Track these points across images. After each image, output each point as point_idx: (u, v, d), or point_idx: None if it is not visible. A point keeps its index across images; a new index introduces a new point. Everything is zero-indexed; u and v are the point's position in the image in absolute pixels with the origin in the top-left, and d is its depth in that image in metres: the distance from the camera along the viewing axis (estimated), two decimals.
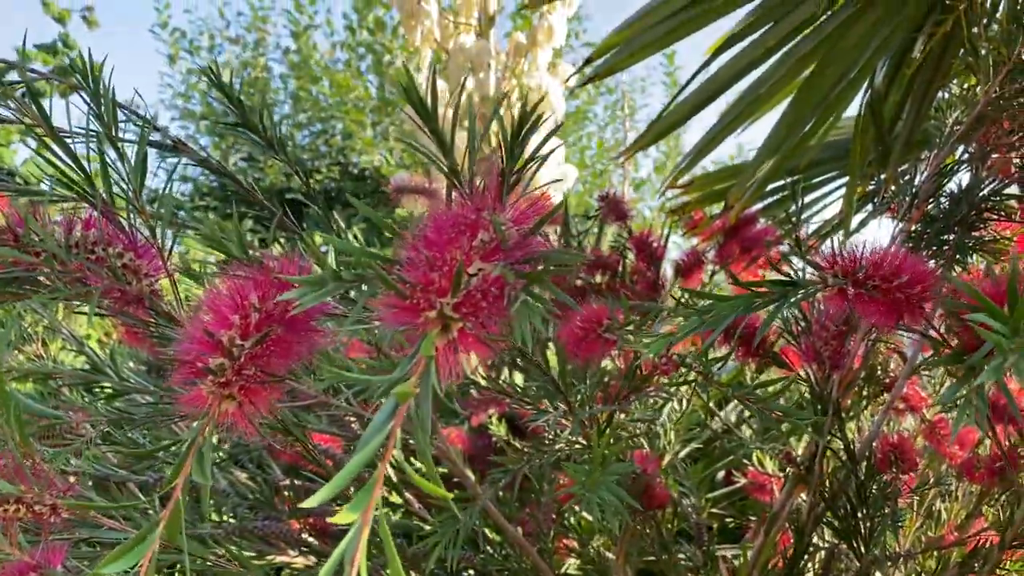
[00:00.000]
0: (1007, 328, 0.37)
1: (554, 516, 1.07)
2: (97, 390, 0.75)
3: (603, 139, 5.64)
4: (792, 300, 0.46)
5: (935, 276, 0.46)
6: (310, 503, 0.22)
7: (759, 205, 1.40)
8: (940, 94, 1.06)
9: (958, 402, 0.41)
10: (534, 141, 0.35)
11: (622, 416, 0.71)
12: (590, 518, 1.18)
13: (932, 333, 0.48)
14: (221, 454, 0.92)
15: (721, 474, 1.67)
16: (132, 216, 0.47)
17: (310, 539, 0.88)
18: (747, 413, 1.34)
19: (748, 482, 1.19)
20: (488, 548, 0.92)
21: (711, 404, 1.23)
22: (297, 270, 0.35)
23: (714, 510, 1.54)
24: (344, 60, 5.46)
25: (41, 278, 0.46)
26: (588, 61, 0.99)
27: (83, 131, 0.46)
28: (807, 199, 1.43)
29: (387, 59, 4.71)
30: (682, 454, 1.18)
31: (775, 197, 1.34)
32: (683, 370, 0.65)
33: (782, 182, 1.41)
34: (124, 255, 0.47)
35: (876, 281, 0.47)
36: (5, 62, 0.55)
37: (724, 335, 0.72)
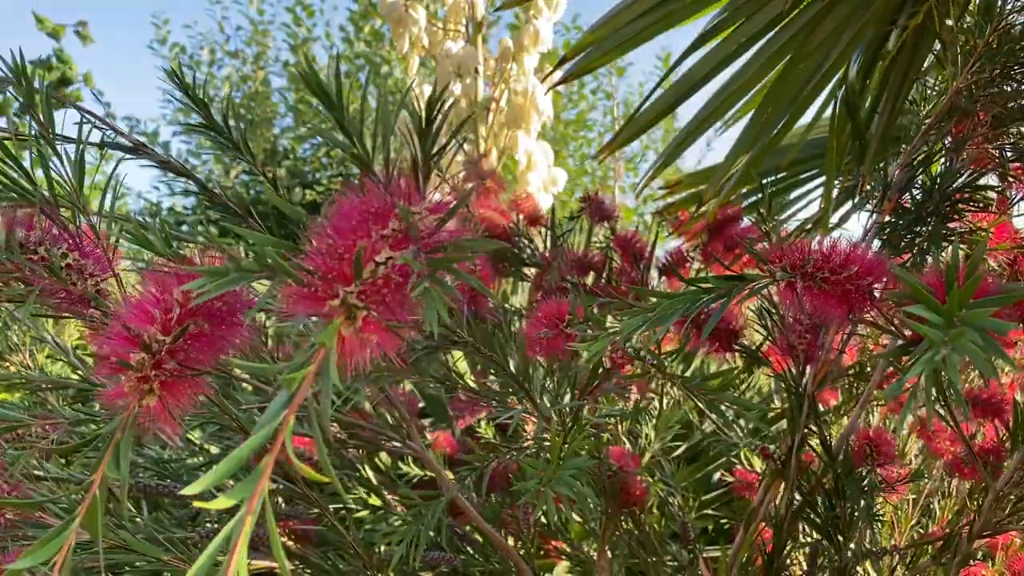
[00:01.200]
0: (941, 320, 0.36)
1: (541, 518, 1.07)
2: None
3: (590, 139, 5.64)
4: (737, 295, 0.46)
5: (885, 267, 0.46)
6: (191, 489, 0.22)
7: (746, 203, 1.40)
8: (916, 87, 1.06)
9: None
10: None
11: (590, 413, 0.71)
12: (579, 519, 1.18)
13: (890, 325, 0.48)
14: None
15: (717, 476, 1.66)
16: (77, 216, 0.47)
17: (290, 543, 0.88)
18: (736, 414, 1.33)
19: (736, 481, 1.18)
20: (469, 549, 0.91)
21: (701, 405, 1.22)
22: (217, 264, 0.35)
23: (709, 511, 1.53)
24: (343, 72, 5.48)
25: None
26: (563, 61, 1.00)
27: (19, 134, 0.46)
28: (792, 196, 1.43)
29: (384, 70, 4.73)
30: (672, 455, 1.17)
31: (760, 196, 1.34)
32: (649, 366, 0.65)
33: (771, 179, 1.41)
34: (68, 255, 0.47)
35: (824, 273, 0.46)
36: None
37: (694, 331, 0.72)
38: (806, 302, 0.47)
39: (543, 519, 1.04)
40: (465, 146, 1.73)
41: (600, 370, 0.64)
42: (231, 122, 0.74)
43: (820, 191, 1.33)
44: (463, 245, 0.30)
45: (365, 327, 0.28)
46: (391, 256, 0.29)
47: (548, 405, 0.64)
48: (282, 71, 5.33)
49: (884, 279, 0.44)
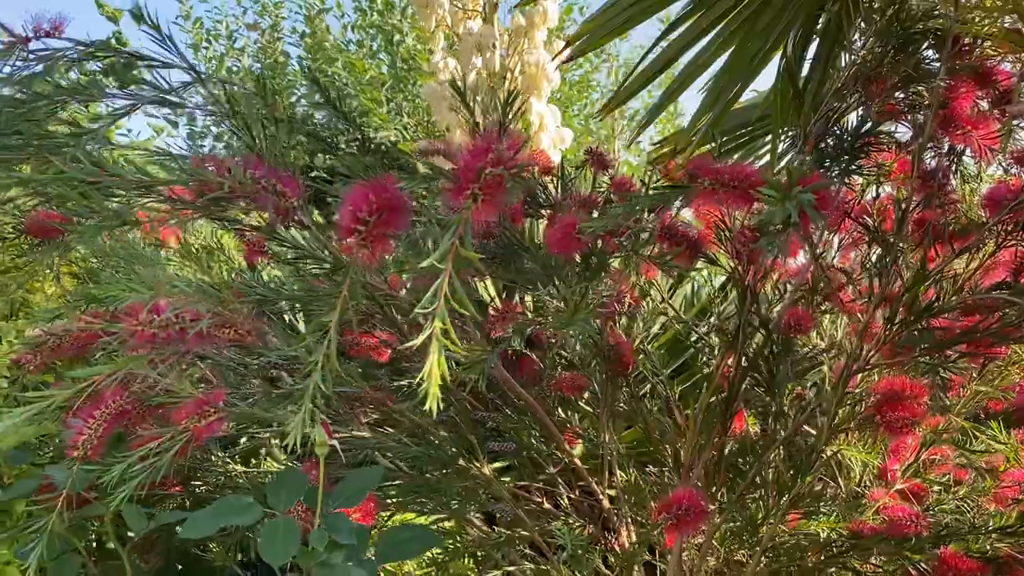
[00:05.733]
0: (781, 193, 0.68)
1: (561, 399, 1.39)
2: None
3: (592, 100, 5.91)
4: (674, 196, 0.77)
5: (760, 176, 0.77)
6: (415, 269, 0.54)
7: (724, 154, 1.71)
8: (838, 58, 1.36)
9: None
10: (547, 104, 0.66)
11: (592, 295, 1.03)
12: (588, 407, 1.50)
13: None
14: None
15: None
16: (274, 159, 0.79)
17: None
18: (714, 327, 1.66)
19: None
20: (506, 410, 1.25)
21: (689, 322, 1.55)
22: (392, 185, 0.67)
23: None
24: (355, 41, 5.74)
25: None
26: (567, 45, 1.30)
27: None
28: (759, 144, 1.73)
29: (397, 39, 4.99)
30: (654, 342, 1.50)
31: (731, 146, 1.65)
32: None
33: (741, 132, 1.72)
34: (276, 184, 0.79)
35: (727, 182, 0.78)
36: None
37: (661, 237, 1.03)
38: (722, 200, 0.79)
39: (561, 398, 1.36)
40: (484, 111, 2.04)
41: (598, 263, 0.96)
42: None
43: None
44: (525, 163, 0.61)
45: (483, 205, 0.60)
46: (493, 170, 0.60)
47: (568, 287, 0.96)
48: (298, 42, 5.60)
49: (760, 183, 0.76)
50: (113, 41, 3.46)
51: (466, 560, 1.63)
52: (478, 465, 1.06)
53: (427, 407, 0.48)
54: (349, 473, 0.90)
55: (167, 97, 0.81)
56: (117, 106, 0.88)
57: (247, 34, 5.81)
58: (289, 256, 0.78)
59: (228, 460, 1.35)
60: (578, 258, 1.00)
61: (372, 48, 5.55)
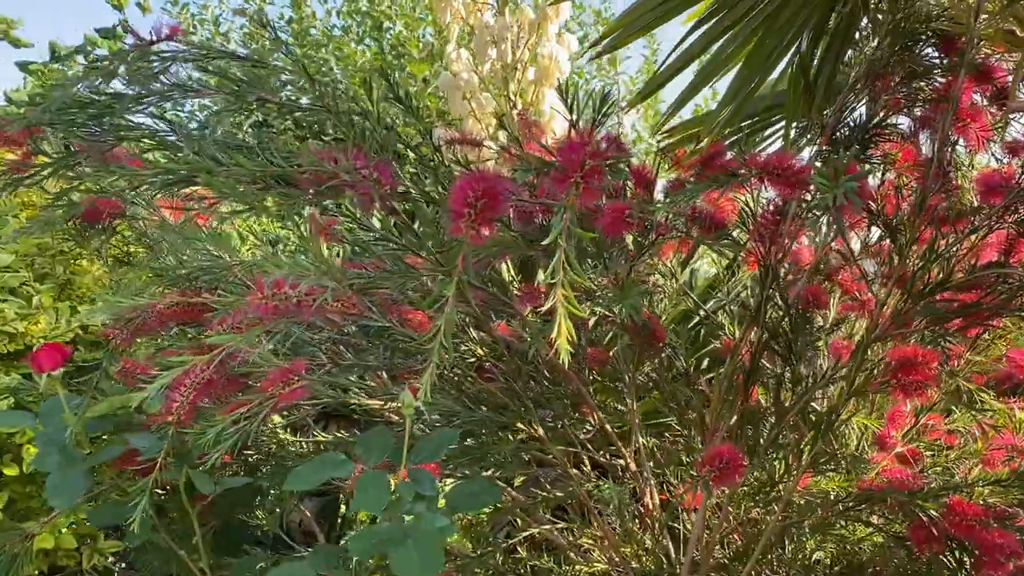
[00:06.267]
0: (830, 182, 0.79)
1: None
2: None
3: (592, 91, 6.01)
4: (728, 183, 0.88)
5: (807, 168, 0.88)
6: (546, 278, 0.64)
7: (727, 142, 1.81)
8: (850, 53, 1.47)
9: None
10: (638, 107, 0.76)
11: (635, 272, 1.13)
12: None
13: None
14: None
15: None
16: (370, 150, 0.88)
17: None
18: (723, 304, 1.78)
19: (722, 346, 1.62)
20: (544, 382, 1.35)
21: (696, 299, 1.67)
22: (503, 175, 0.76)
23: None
24: (341, 27, 5.77)
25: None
26: (597, 42, 1.39)
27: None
28: (767, 134, 1.84)
29: (386, 25, 5.04)
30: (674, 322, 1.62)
31: (739, 136, 1.75)
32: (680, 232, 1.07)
33: (750, 122, 1.82)
34: (372, 172, 0.88)
35: (776, 171, 0.88)
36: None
37: (694, 223, 1.13)
38: (768, 185, 0.89)
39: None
40: (496, 101, 2.13)
41: (651, 242, 1.07)
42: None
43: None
44: (617, 158, 0.71)
45: (584, 191, 0.70)
46: (591, 161, 0.70)
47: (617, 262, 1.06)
48: (284, 27, 5.62)
49: (807, 173, 0.86)
50: (119, 29, 3.50)
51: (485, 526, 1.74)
52: (535, 427, 1.16)
53: (560, 359, 0.58)
54: (428, 434, 0.99)
55: (267, 97, 0.90)
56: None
57: (231, 19, 5.81)
58: (391, 241, 0.87)
59: (280, 431, 1.44)
60: (630, 239, 1.10)
61: (359, 34, 5.59)
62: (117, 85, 0.98)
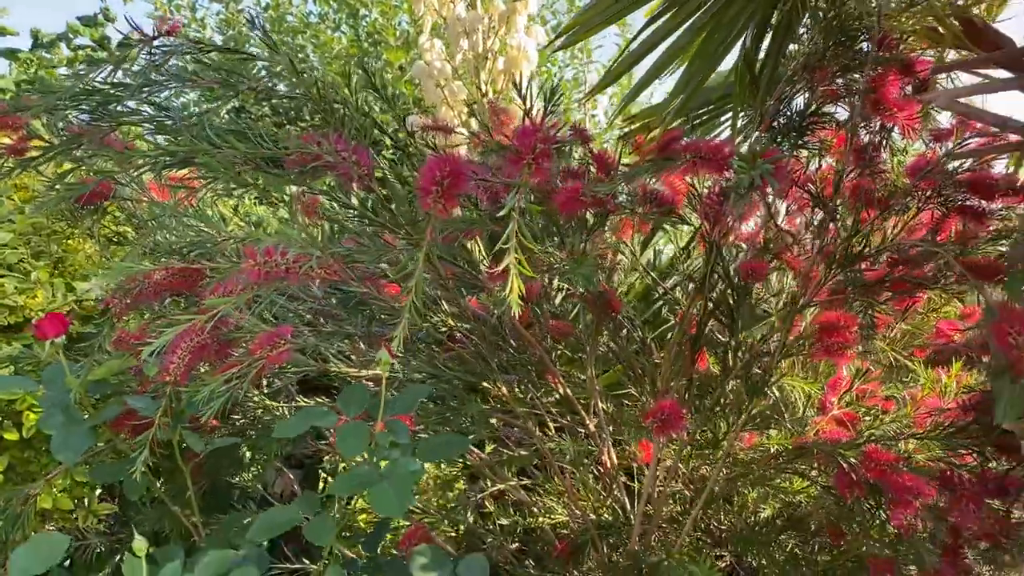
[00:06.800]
0: (747, 165, 0.91)
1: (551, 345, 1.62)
2: None
3: (565, 80, 6.11)
4: (664, 168, 0.99)
5: (731, 151, 1.00)
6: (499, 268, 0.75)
7: (686, 128, 1.93)
8: (794, 47, 1.59)
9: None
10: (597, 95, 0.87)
11: (591, 248, 1.25)
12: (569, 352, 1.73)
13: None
14: None
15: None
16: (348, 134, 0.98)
17: None
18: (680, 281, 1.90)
19: (677, 320, 1.75)
20: (509, 349, 1.46)
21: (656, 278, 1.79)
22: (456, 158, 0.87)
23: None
24: (318, 14, 5.82)
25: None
26: (558, 36, 1.51)
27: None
28: (720, 121, 1.97)
29: (362, 12, 5.11)
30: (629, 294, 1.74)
31: (693, 123, 1.88)
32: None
33: (704, 111, 1.94)
34: (351, 155, 0.99)
35: (707, 156, 1.00)
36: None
37: (645, 202, 1.25)
38: (700, 171, 1.01)
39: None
40: (468, 89, 2.24)
41: (600, 219, 1.18)
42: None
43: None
44: (565, 142, 0.82)
45: (536, 171, 0.81)
46: (542, 145, 0.81)
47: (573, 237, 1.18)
48: (260, 13, 5.67)
49: (731, 156, 0.98)
50: (100, 17, 3.55)
51: (460, 483, 1.86)
52: (498, 385, 1.28)
53: (513, 313, 0.70)
54: (403, 390, 1.11)
55: (254, 86, 1.00)
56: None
57: (207, 4, 5.85)
58: (367, 218, 0.98)
59: (263, 396, 1.55)
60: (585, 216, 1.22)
61: (335, 21, 5.65)
62: (116, 75, 1.08)
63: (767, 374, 1.28)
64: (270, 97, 1.19)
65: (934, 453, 1.44)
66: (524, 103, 0.94)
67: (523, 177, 0.79)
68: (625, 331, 1.62)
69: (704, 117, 1.86)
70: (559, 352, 1.69)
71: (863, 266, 1.33)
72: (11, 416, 1.51)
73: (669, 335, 2.21)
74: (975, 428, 1.31)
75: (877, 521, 1.38)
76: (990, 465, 1.36)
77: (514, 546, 1.62)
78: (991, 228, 1.41)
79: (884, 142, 1.51)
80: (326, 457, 1.95)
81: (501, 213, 0.74)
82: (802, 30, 1.52)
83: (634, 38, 1.52)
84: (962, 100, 1.42)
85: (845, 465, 1.22)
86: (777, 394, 1.62)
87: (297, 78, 1.01)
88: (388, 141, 1.30)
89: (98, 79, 0.96)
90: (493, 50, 2.21)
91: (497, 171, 0.92)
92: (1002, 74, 1.43)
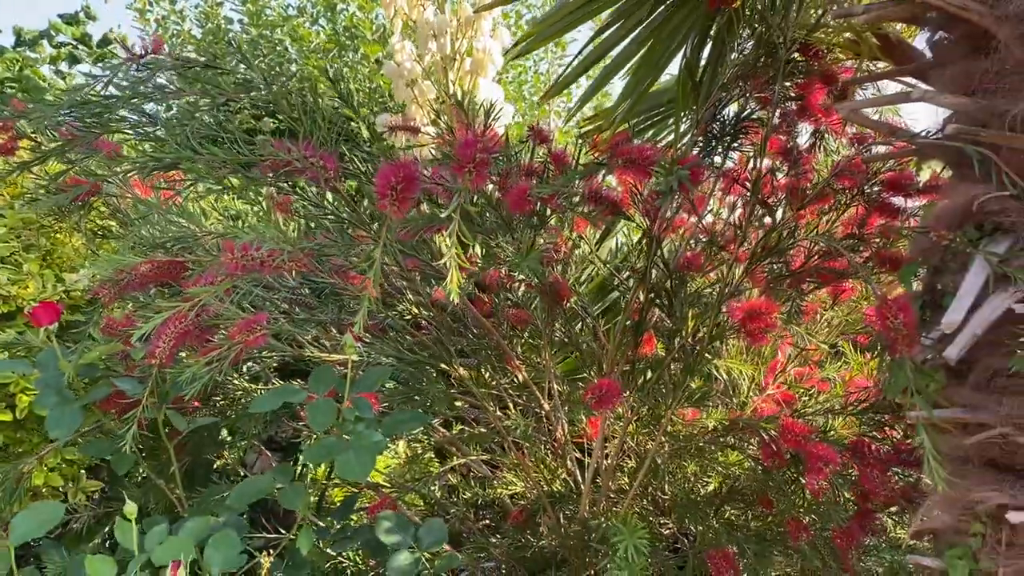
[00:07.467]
0: (666, 171, 1.04)
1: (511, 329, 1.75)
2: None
3: (539, 72, 6.22)
4: (595, 171, 1.12)
5: (656, 153, 1.13)
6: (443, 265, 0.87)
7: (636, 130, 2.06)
8: (734, 56, 1.72)
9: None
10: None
11: (541, 241, 1.38)
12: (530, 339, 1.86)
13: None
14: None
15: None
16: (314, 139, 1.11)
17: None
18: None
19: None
20: (469, 335, 1.59)
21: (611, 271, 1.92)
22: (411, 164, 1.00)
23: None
24: (296, 7, 5.89)
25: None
26: (515, 44, 1.63)
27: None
28: (670, 123, 2.10)
29: (340, 7, 5.19)
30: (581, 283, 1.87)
31: (646, 124, 2.01)
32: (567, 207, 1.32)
33: (654, 112, 2.07)
34: (319, 160, 1.11)
35: (634, 160, 1.13)
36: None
37: (589, 199, 1.38)
38: (627, 175, 1.14)
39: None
40: (436, 89, 2.37)
41: (543, 217, 1.31)
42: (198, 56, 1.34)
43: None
44: (501, 151, 0.95)
45: (476, 177, 0.93)
46: (481, 155, 0.93)
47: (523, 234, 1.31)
48: (238, 5, 5.73)
49: (657, 159, 1.11)
50: (82, 15, 3.62)
51: (430, 458, 2.00)
52: (456, 367, 1.41)
53: (452, 298, 0.82)
54: (367, 370, 1.23)
55: (232, 97, 1.12)
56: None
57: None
58: (335, 215, 1.10)
59: (243, 380, 1.67)
60: (532, 214, 1.35)
61: (313, 15, 5.72)
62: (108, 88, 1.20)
63: (698, 355, 1.41)
64: (249, 90, 1.29)
65: (863, 429, 1.59)
66: (465, 116, 1.07)
67: (464, 183, 0.92)
68: (579, 319, 1.75)
69: (656, 119, 1.99)
70: (522, 340, 1.83)
71: (789, 257, 1.47)
72: (4, 398, 1.62)
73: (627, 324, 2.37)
74: (886, 404, 1.46)
75: (798, 489, 1.53)
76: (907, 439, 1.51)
77: (482, 524, 1.76)
78: (908, 224, 1.55)
79: (817, 144, 1.66)
80: (304, 438, 2.08)
81: (444, 215, 0.87)
82: (738, 41, 1.65)
83: (582, 49, 1.65)
84: (883, 108, 1.56)
85: (767, 437, 1.36)
86: (725, 377, 1.77)
87: (269, 91, 1.13)
88: (361, 140, 1.42)
89: (91, 93, 1.07)
90: (461, 52, 2.33)
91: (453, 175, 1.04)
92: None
